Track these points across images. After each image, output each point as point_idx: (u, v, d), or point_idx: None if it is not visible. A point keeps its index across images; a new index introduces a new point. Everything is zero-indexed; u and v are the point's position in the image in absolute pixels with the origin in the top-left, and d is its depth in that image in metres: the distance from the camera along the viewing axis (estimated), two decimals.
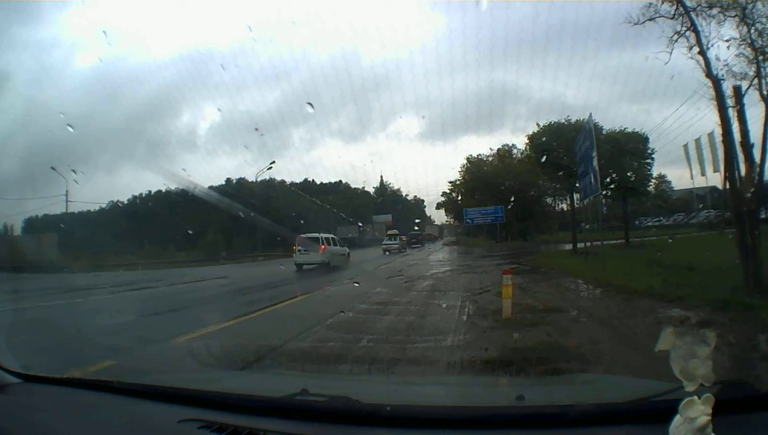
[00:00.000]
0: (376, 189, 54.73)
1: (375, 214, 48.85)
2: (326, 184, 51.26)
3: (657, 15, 10.10)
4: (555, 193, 33.09)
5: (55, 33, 55.83)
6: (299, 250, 19.37)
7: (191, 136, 52.11)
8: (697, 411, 1.21)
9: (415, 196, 55.03)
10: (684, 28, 9.74)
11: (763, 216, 10.92)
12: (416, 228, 42.76)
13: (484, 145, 78.57)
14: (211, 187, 31.90)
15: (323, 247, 19.49)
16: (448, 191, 39.69)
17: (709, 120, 10.47)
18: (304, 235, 19.76)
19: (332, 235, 22.19)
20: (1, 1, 23.69)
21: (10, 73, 50.49)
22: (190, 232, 31.47)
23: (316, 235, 20.11)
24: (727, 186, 9.27)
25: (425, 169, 76.50)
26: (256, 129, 35.46)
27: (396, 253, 29.03)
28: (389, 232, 33.72)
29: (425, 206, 57.18)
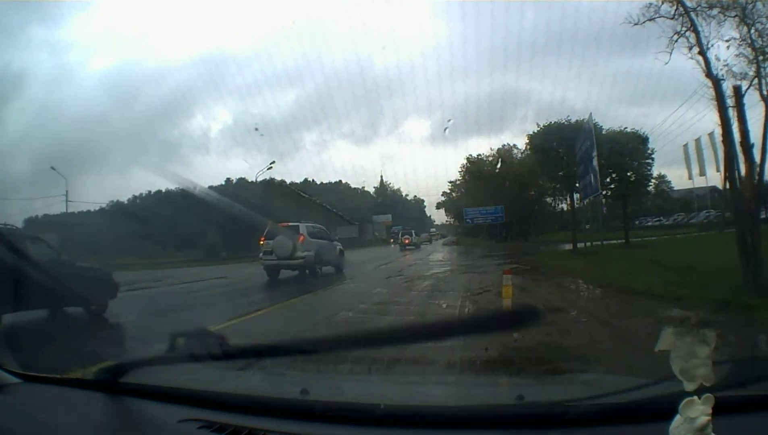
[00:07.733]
0: (376, 189, 54.94)
1: (375, 214, 48.90)
2: (326, 183, 51.45)
3: (657, 15, 10.14)
4: (555, 193, 33.12)
5: (57, 35, 55.92)
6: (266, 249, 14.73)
7: (192, 137, 52.20)
8: (697, 411, 1.20)
9: (415, 196, 55.24)
10: (684, 29, 9.77)
11: (763, 216, 10.92)
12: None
13: (486, 147, 78.66)
14: (211, 187, 31.98)
15: (302, 238, 14.69)
16: (448, 191, 39.85)
17: (709, 120, 10.55)
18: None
19: (319, 225, 18.01)
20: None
21: (12, 73, 50.52)
22: (190, 232, 31.46)
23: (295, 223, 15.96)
24: (727, 186, 9.27)
25: (426, 169, 76.79)
26: (256, 129, 35.60)
27: (406, 250, 32.97)
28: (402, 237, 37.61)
29: (425, 206, 57.34)
